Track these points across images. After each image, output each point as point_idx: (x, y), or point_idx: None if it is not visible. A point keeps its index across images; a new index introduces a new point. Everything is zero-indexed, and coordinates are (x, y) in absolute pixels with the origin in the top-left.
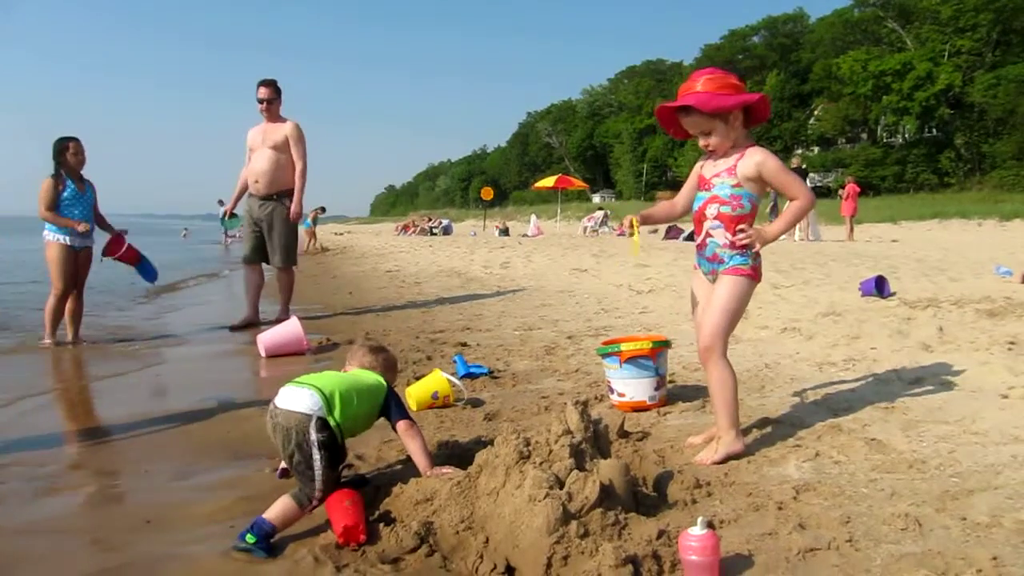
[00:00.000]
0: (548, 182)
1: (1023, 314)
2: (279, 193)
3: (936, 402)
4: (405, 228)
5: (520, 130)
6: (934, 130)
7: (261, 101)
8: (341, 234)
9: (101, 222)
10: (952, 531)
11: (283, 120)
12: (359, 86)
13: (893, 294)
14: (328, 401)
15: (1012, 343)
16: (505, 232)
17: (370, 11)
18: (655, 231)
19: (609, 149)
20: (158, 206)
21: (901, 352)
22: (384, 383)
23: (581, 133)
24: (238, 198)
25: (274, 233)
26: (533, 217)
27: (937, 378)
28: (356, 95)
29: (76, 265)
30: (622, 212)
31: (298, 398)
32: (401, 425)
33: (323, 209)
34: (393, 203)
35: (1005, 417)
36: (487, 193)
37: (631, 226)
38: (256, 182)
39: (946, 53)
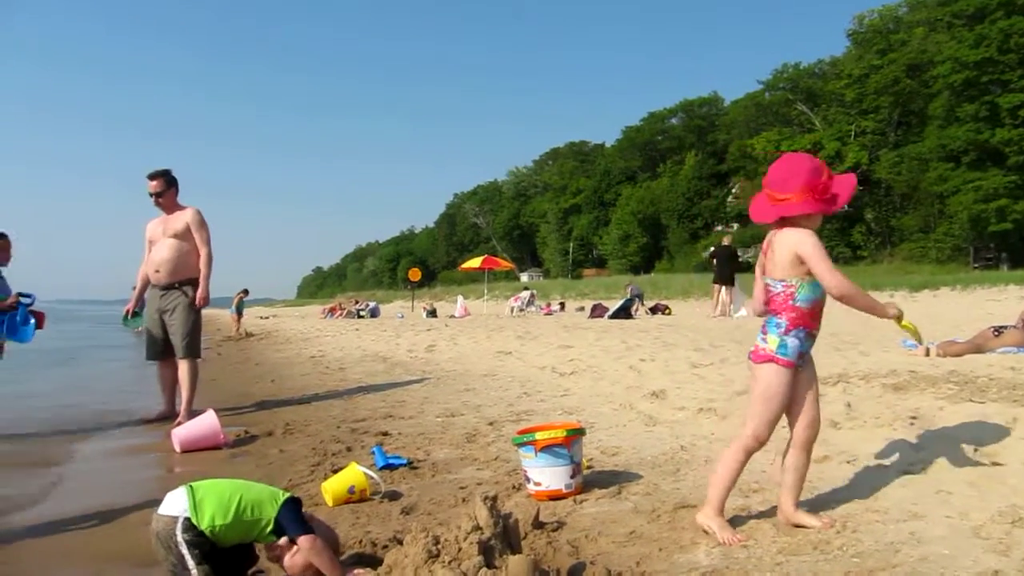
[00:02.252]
0: (475, 263)
1: (926, 388)
2: (181, 282)
3: (842, 480)
4: (332, 311)
5: (447, 210)
6: (846, 206)
7: (152, 195)
8: (266, 318)
9: None
10: None
11: (181, 208)
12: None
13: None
14: (195, 504)
15: (914, 418)
16: (432, 313)
17: (295, 96)
18: (581, 308)
19: (535, 228)
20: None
21: (817, 436)
22: (282, 497)
23: (507, 213)
24: (140, 295)
25: (175, 322)
26: (460, 298)
27: (843, 455)
28: (283, 176)
29: None
30: (549, 291)
31: (171, 502)
32: (304, 541)
33: (246, 292)
34: (320, 285)
35: (905, 494)
36: (415, 274)
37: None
38: (157, 271)
39: (852, 133)
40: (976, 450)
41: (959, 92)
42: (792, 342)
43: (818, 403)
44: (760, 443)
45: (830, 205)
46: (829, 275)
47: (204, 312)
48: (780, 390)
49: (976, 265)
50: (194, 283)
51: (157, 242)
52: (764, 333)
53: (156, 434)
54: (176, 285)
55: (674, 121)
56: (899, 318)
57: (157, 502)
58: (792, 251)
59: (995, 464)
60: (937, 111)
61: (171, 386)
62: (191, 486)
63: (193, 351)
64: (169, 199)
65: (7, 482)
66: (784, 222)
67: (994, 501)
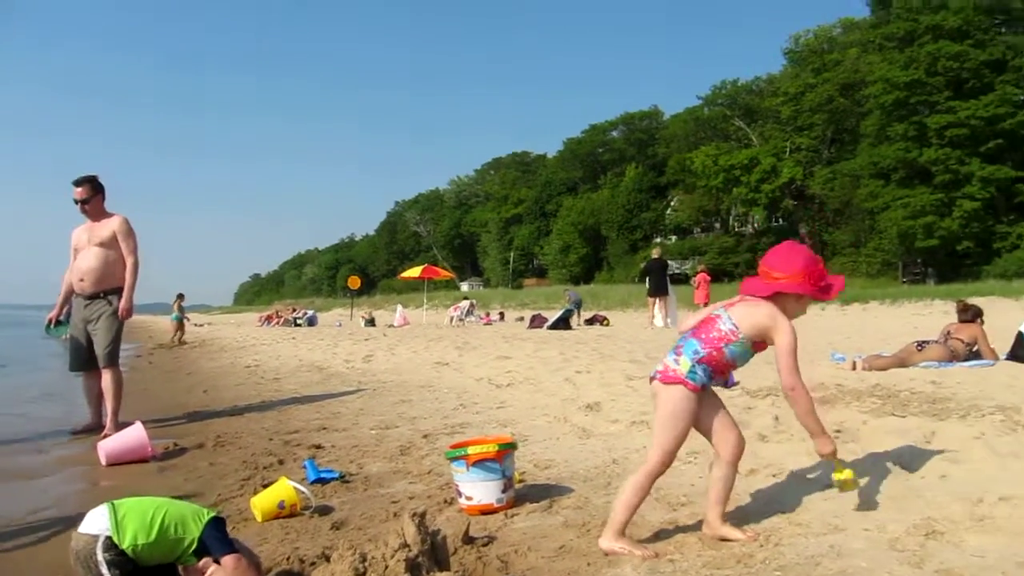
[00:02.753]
0: (414, 272)
1: (851, 401)
2: (107, 291)
3: (767, 493)
4: (269, 319)
5: (388, 219)
6: (780, 220)
7: (77, 202)
8: (201, 325)
9: None
10: None
11: (109, 215)
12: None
13: (737, 383)
14: (117, 522)
15: (839, 431)
16: (371, 322)
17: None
18: (521, 319)
19: (476, 238)
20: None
21: (743, 452)
22: (207, 516)
23: (449, 222)
24: (64, 303)
25: (98, 331)
26: (399, 307)
27: (769, 468)
28: (220, 182)
29: None
30: (490, 300)
31: (92, 519)
32: (228, 561)
33: (182, 296)
34: (258, 292)
35: (827, 507)
36: (354, 282)
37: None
38: (82, 280)
39: (788, 149)
40: (895, 464)
41: (889, 112)
42: (700, 373)
43: (735, 423)
44: (666, 467)
45: (823, 293)
46: (791, 374)
47: (138, 319)
48: (686, 415)
49: (905, 280)
50: (120, 292)
51: (82, 250)
52: (678, 354)
53: (82, 446)
54: (101, 295)
55: (615, 134)
56: (833, 457)
57: (82, 517)
58: (766, 326)
59: (912, 477)
60: (869, 129)
61: (98, 397)
62: (113, 504)
63: (114, 359)
64: (95, 206)
65: None
66: (774, 297)
67: (911, 514)
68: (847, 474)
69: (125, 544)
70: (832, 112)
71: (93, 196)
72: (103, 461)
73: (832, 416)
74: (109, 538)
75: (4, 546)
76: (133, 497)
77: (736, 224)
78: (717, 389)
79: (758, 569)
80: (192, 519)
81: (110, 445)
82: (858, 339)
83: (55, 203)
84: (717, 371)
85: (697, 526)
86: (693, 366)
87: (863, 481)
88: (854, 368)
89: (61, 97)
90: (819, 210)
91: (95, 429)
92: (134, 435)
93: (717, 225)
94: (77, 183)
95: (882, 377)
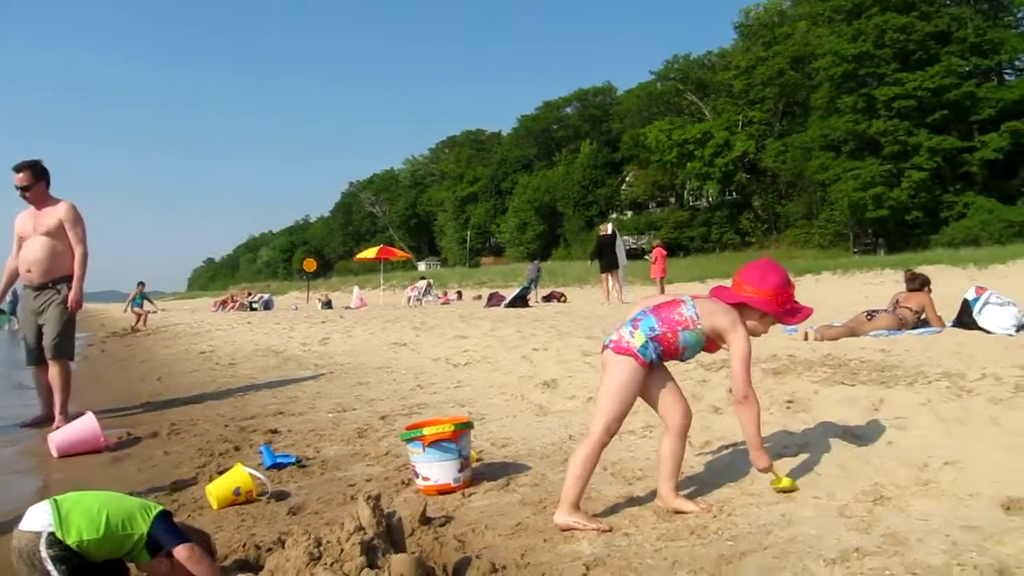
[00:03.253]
0: (370, 253)
1: (803, 372)
2: (55, 280)
3: (720, 464)
4: (223, 303)
5: (343, 200)
6: (734, 193)
7: (19, 189)
8: (155, 312)
9: None
10: None
11: (55, 202)
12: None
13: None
14: (60, 517)
15: (790, 402)
16: (328, 305)
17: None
18: (478, 297)
19: (433, 217)
20: None
21: (694, 416)
22: (154, 510)
23: (404, 202)
24: (6, 289)
25: (47, 323)
26: (356, 288)
27: (723, 440)
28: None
29: None
30: (447, 279)
31: (33, 516)
32: (180, 551)
33: (143, 284)
34: (212, 276)
35: (778, 475)
36: (310, 264)
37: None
38: (29, 271)
39: (740, 123)
40: (845, 432)
41: (839, 84)
42: (651, 349)
43: (682, 395)
44: (610, 436)
45: (788, 316)
46: (743, 383)
47: (90, 307)
48: (632, 387)
49: (856, 250)
50: (69, 281)
51: (28, 239)
52: (634, 327)
53: (33, 439)
54: (50, 284)
55: (569, 110)
56: (770, 472)
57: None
58: (724, 329)
59: (861, 445)
60: (819, 102)
61: (48, 389)
62: (55, 500)
63: (64, 352)
64: (39, 193)
65: None
66: (739, 308)
67: (859, 481)
68: (786, 482)
69: (71, 540)
70: (783, 85)
71: (35, 183)
72: (54, 453)
73: (785, 387)
74: (52, 534)
75: None
76: (76, 492)
77: (691, 198)
78: (671, 361)
79: (711, 540)
80: (139, 513)
81: (61, 437)
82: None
83: None
84: (667, 352)
85: (652, 500)
86: (647, 341)
87: (800, 485)
88: (806, 339)
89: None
90: (772, 183)
91: (45, 421)
92: (85, 426)
93: (672, 200)
94: (17, 168)
95: (833, 347)
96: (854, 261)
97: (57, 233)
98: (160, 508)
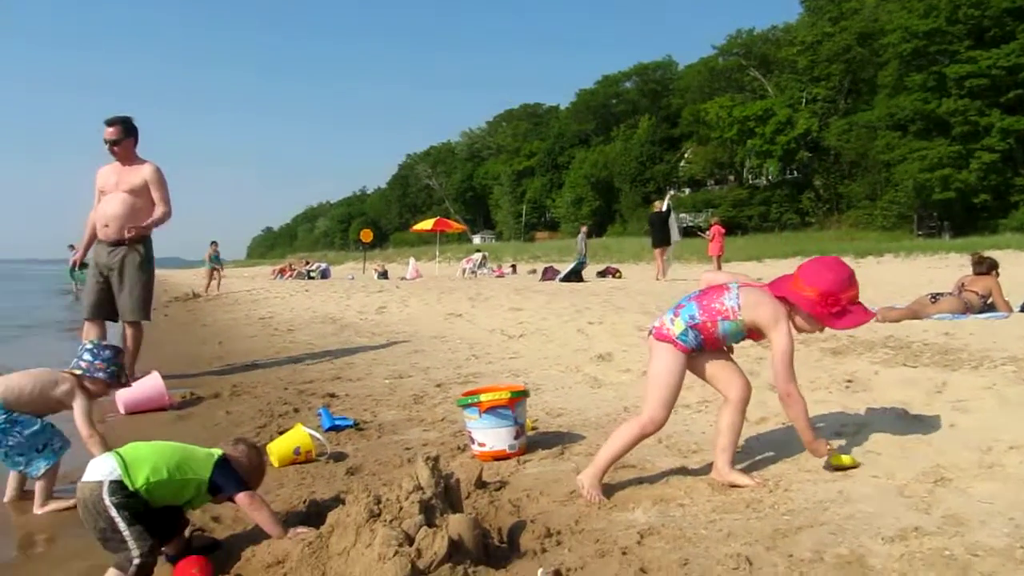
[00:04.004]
0: (426, 224)
1: (863, 352)
2: (132, 239)
3: (776, 441)
4: (282, 272)
5: (400, 172)
6: (795, 172)
7: (107, 143)
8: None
9: None
10: (779, 568)
11: (140, 162)
12: (236, 128)
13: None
14: (126, 464)
15: (849, 381)
16: (384, 275)
17: (246, 57)
18: (533, 271)
19: (488, 190)
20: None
21: (751, 396)
22: (215, 456)
23: (460, 175)
24: (88, 246)
25: (124, 283)
26: (412, 260)
27: (780, 417)
28: (233, 136)
29: None
30: (502, 253)
31: (95, 467)
32: (241, 499)
33: (215, 244)
34: (271, 245)
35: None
36: (366, 235)
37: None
38: (106, 226)
39: (803, 100)
40: (906, 413)
41: (908, 61)
42: (692, 337)
43: (739, 369)
44: (655, 425)
45: (832, 320)
46: (786, 380)
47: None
48: (674, 373)
49: (920, 233)
50: (145, 240)
51: (109, 194)
52: (675, 315)
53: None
54: (126, 242)
55: (628, 85)
56: (831, 456)
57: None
58: (766, 324)
59: (921, 426)
60: (886, 80)
61: None
62: (117, 451)
63: (141, 313)
64: (126, 149)
65: None
66: (787, 302)
67: (919, 461)
68: (847, 459)
69: (138, 483)
70: (849, 62)
71: (124, 138)
72: (121, 410)
73: (844, 367)
74: (114, 482)
75: (31, 492)
76: (137, 443)
77: (750, 176)
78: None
79: (767, 513)
80: (203, 459)
81: (128, 394)
82: (871, 292)
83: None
84: (707, 341)
85: (706, 473)
86: (686, 329)
87: (861, 461)
88: None
89: (71, 49)
90: (834, 162)
91: None
92: (151, 384)
93: (731, 177)
94: (109, 122)
95: (895, 329)
96: (917, 244)
97: (140, 192)
98: (221, 453)
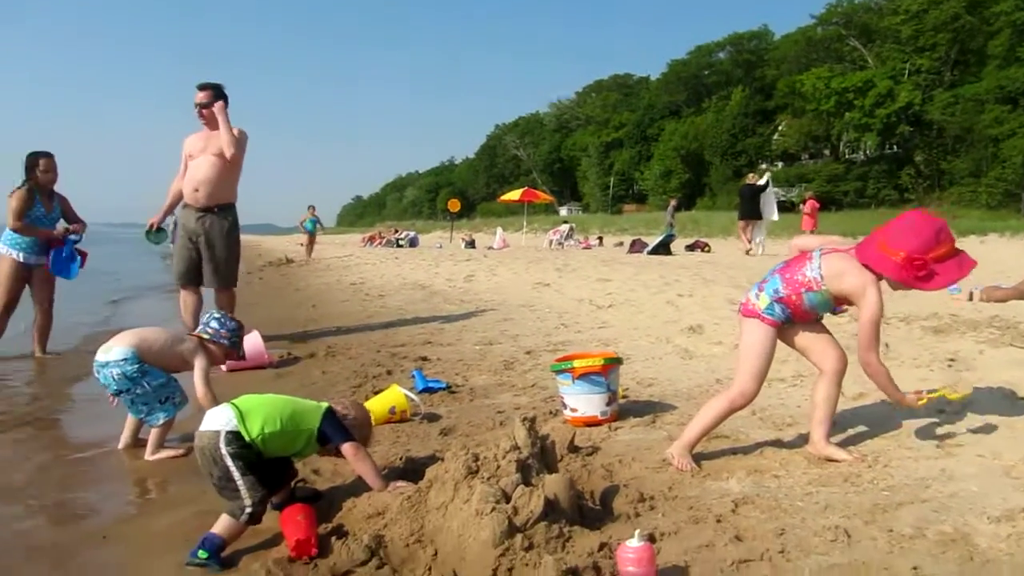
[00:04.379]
0: (514, 195)
1: (966, 331)
2: (220, 206)
3: (876, 417)
4: (371, 239)
5: (488, 142)
6: (894, 147)
7: (198, 106)
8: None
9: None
10: (879, 542)
11: None
12: (328, 97)
13: (844, 311)
14: (242, 415)
15: (952, 360)
16: (471, 244)
17: (340, 27)
18: (620, 244)
19: (576, 162)
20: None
21: (847, 368)
22: (322, 407)
23: (548, 146)
24: (169, 210)
25: (215, 249)
26: (499, 230)
27: (879, 394)
28: (325, 106)
29: (25, 281)
30: (588, 225)
31: (213, 417)
32: (347, 449)
33: (313, 208)
34: (360, 214)
35: (939, 432)
36: (454, 205)
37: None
38: (196, 191)
39: (906, 71)
40: (1013, 394)
41: (1021, 31)
42: (779, 311)
43: (834, 339)
44: (745, 398)
45: (921, 282)
46: (867, 349)
47: (247, 238)
48: (763, 347)
49: None
50: (232, 208)
51: (197, 158)
52: (760, 289)
53: None
54: (215, 209)
55: (722, 55)
56: (926, 401)
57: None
58: (852, 293)
59: None
60: (997, 50)
61: (197, 313)
62: (234, 403)
63: (232, 281)
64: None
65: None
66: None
67: None
68: (958, 393)
69: (254, 434)
70: (957, 31)
71: (215, 102)
72: (223, 368)
73: (946, 346)
74: (231, 432)
75: (143, 440)
76: (250, 395)
77: (847, 151)
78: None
79: (865, 488)
80: (312, 411)
81: None
82: (974, 271)
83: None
84: (796, 314)
85: (802, 446)
86: (771, 303)
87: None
88: (970, 299)
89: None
90: (937, 136)
91: None
92: (252, 343)
93: (826, 151)
94: (201, 87)
95: (1001, 309)
96: None
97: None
98: (327, 404)
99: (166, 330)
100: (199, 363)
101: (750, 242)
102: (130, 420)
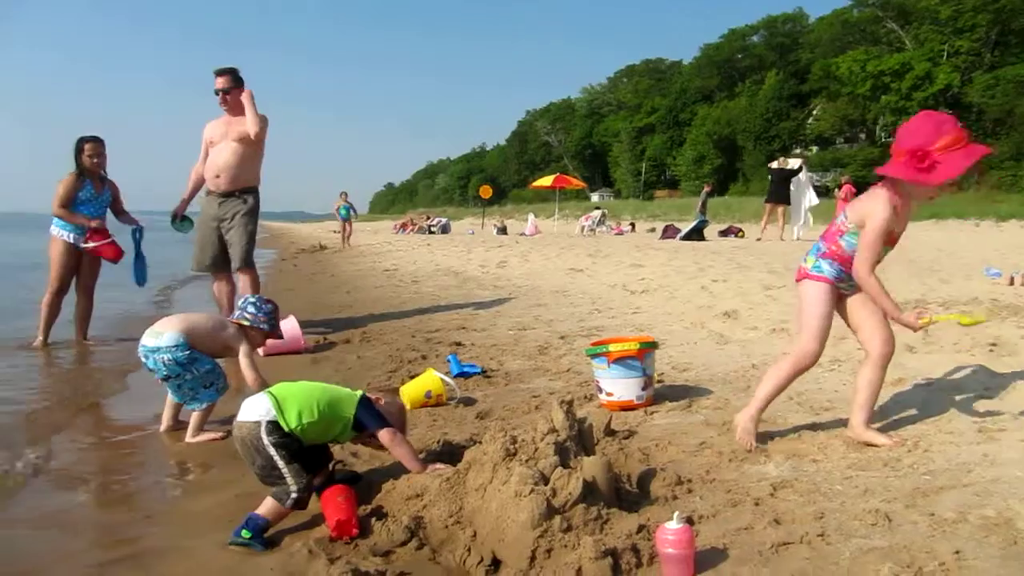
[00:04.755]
0: (546, 181)
1: (1008, 316)
2: (242, 190)
3: (915, 402)
4: (403, 226)
5: (519, 128)
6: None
7: (218, 92)
8: (338, 232)
9: (126, 220)
10: (920, 526)
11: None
12: (360, 84)
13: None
14: (280, 405)
15: (993, 344)
16: (503, 231)
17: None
18: (652, 230)
19: (608, 148)
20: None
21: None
22: (357, 395)
23: (580, 132)
24: (191, 197)
25: (233, 231)
26: (531, 216)
27: (917, 379)
28: (357, 93)
29: (78, 263)
30: (620, 211)
31: (251, 407)
32: (383, 435)
33: (345, 194)
34: (392, 201)
35: (980, 417)
36: (485, 191)
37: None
38: (217, 177)
39: (945, 53)
40: None
41: None
42: (826, 266)
43: (886, 322)
44: (809, 357)
45: (925, 175)
46: (862, 262)
47: (280, 225)
48: (820, 305)
49: None
50: (254, 192)
51: (218, 144)
52: (807, 253)
53: None
54: (236, 193)
55: (755, 39)
56: (927, 322)
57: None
58: (864, 213)
59: None
60: None
61: (230, 300)
62: (270, 391)
63: (251, 261)
64: (236, 98)
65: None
66: (885, 180)
67: None
68: (970, 318)
69: (292, 424)
70: (998, 12)
71: (234, 87)
72: (260, 352)
73: (987, 331)
74: (271, 422)
75: (184, 424)
76: (284, 382)
77: (883, 135)
78: None
79: (906, 473)
80: (347, 399)
81: None
82: (1014, 256)
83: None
84: (843, 264)
85: (840, 430)
86: (817, 261)
87: (1006, 427)
88: (1011, 283)
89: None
90: (976, 119)
91: None
92: (289, 328)
93: (862, 136)
94: (219, 72)
95: None
96: None
97: (248, 141)
98: (362, 393)
99: (210, 315)
100: (244, 349)
101: (767, 226)
102: (170, 403)
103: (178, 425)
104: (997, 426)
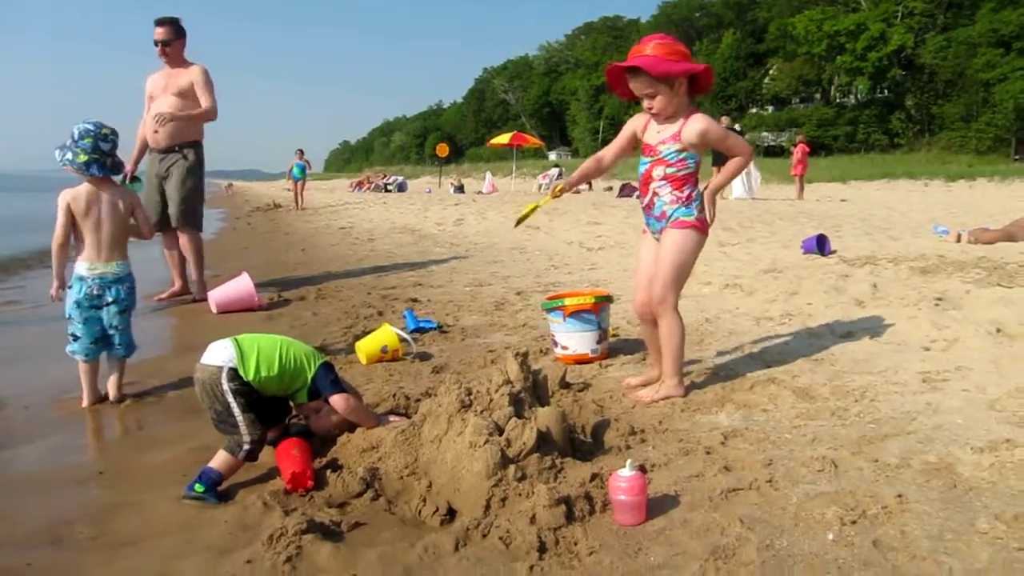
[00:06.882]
0: (503, 139)
1: (953, 272)
2: (182, 144)
3: (863, 354)
4: (360, 184)
5: (476, 86)
6: (886, 91)
7: (157, 44)
8: (291, 190)
9: None
10: (864, 472)
11: (187, 64)
12: (315, 42)
13: (833, 252)
14: (242, 355)
15: (939, 299)
16: (460, 189)
17: None
18: (609, 188)
19: (566, 106)
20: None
21: (835, 307)
22: (319, 358)
23: (537, 90)
24: (139, 158)
25: (170, 187)
26: (488, 174)
27: (866, 332)
28: (312, 51)
29: None
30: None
31: (215, 352)
32: (337, 400)
33: (301, 151)
34: (348, 159)
35: (925, 368)
36: (442, 150)
37: (554, 195)
38: (156, 132)
39: (899, 14)
40: (999, 331)
41: None
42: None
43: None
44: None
45: None
46: None
47: (236, 184)
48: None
49: (1017, 157)
50: (195, 146)
51: (158, 98)
52: None
53: (184, 306)
54: (176, 148)
55: None
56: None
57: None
58: None
59: (1017, 344)
60: None
61: (180, 261)
62: (236, 339)
63: (190, 220)
64: (176, 51)
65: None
66: None
67: (1013, 378)
68: (546, 199)
69: (250, 376)
70: None
71: (175, 39)
72: (213, 309)
73: (934, 286)
74: (233, 369)
75: (137, 380)
76: (251, 333)
77: (838, 95)
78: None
79: (852, 421)
80: (307, 359)
81: (219, 294)
82: (962, 215)
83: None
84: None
85: (791, 382)
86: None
87: (948, 377)
88: (958, 240)
89: None
90: (928, 81)
91: (181, 295)
92: (242, 285)
93: (817, 95)
94: (159, 22)
95: (988, 250)
96: (1014, 169)
97: (188, 94)
98: (324, 359)
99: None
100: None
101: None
102: (86, 377)
103: (101, 399)
104: (941, 376)
